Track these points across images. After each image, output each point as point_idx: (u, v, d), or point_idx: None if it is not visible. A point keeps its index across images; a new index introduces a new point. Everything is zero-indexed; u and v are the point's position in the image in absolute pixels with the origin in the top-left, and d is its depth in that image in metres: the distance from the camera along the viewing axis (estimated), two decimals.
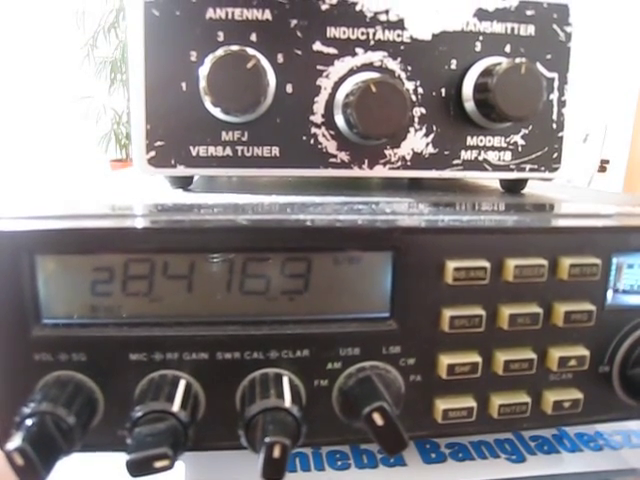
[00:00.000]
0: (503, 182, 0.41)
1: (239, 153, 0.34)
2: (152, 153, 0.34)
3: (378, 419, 0.25)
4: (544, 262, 0.28)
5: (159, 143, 0.34)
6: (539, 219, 0.30)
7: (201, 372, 0.27)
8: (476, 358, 0.29)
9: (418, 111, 0.36)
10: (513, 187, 0.40)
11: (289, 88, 0.34)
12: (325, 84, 0.34)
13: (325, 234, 0.27)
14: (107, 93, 2.59)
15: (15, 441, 0.22)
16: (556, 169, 0.38)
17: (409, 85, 0.35)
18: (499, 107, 0.33)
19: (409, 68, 0.35)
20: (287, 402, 0.25)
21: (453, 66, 0.36)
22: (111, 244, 0.26)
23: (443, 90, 0.36)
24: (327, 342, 0.28)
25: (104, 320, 0.27)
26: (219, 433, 0.28)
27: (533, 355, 0.29)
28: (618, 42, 2.46)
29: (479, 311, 0.28)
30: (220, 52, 0.31)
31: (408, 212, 0.30)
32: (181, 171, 0.34)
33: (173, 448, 0.23)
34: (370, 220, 0.27)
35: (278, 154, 0.35)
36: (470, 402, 0.29)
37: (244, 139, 0.34)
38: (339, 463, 0.33)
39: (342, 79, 0.34)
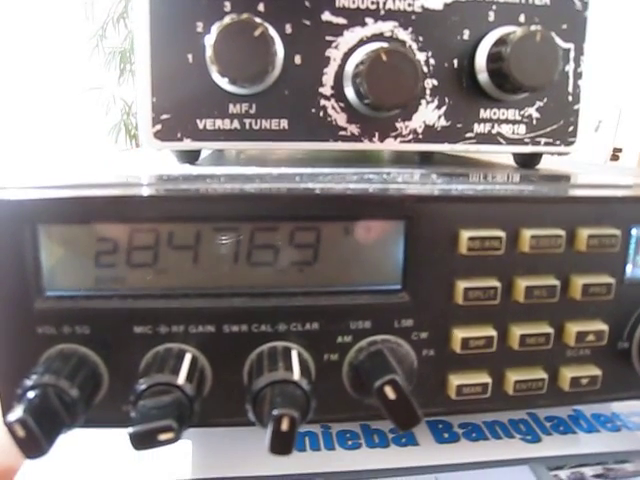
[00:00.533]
0: (517, 157, 0.40)
1: (247, 126, 0.33)
2: (158, 126, 0.33)
3: (390, 393, 0.24)
4: (561, 232, 0.27)
5: (165, 116, 0.33)
6: (556, 189, 0.29)
7: (207, 345, 0.26)
8: (491, 332, 0.28)
9: (430, 83, 0.35)
10: (528, 162, 0.39)
11: (297, 59, 0.33)
12: (334, 55, 0.33)
13: (335, 202, 0.26)
14: (117, 84, 2.58)
15: (16, 412, 0.21)
16: (572, 143, 0.37)
17: (420, 56, 0.34)
18: (513, 76, 0.32)
19: (420, 39, 0.34)
20: (296, 375, 0.24)
21: (466, 36, 0.34)
22: (115, 213, 0.25)
23: (455, 61, 0.35)
24: (337, 315, 0.27)
25: (108, 292, 0.26)
26: (226, 408, 0.27)
27: (550, 329, 0.28)
28: (630, 27, 2.43)
29: (494, 283, 0.27)
30: (227, 20, 0.30)
31: (421, 181, 0.29)
32: (188, 145, 0.33)
33: (178, 421, 0.22)
34: (382, 188, 0.27)
35: (287, 127, 0.34)
36: (485, 378, 0.28)
37: (252, 112, 0.33)
38: (349, 442, 0.33)
39: (352, 50, 0.33)
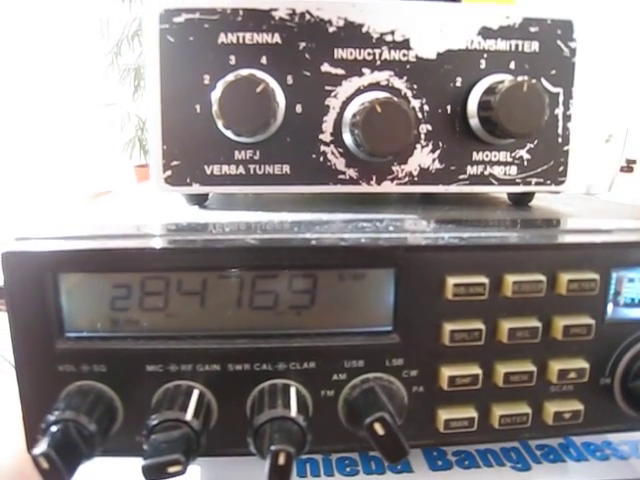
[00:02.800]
0: (510, 195, 0.42)
1: (251, 171, 0.36)
2: (168, 172, 0.35)
3: (379, 429, 0.26)
4: (542, 278, 0.29)
5: (175, 163, 0.35)
6: (538, 235, 0.31)
7: (213, 383, 0.29)
8: (476, 370, 0.30)
9: (424, 128, 0.37)
10: (520, 200, 0.41)
11: (299, 108, 0.35)
12: (333, 104, 0.36)
13: (330, 253, 0.28)
14: (131, 100, 2.63)
15: (41, 446, 0.24)
16: (562, 182, 0.38)
17: (415, 103, 0.36)
18: (502, 124, 0.34)
19: (415, 86, 0.36)
20: (293, 412, 0.26)
21: (458, 84, 0.36)
22: (129, 263, 0.28)
23: (449, 107, 0.37)
24: (333, 355, 0.29)
25: (123, 333, 0.29)
26: (230, 440, 0.29)
27: (533, 367, 0.30)
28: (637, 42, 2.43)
29: (479, 325, 0.29)
30: (230, 77, 0.32)
31: (411, 230, 0.31)
32: (196, 189, 0.36)
33: (186, 455, 0.24)
34: (373, 238, 0.29)
35: (289, 171, 0.36)
36: (471, 412, 0.30)
37: (256, 158, 0.36)
38: (348, 469, 0.35)
39: (350, 98, 0.36)
